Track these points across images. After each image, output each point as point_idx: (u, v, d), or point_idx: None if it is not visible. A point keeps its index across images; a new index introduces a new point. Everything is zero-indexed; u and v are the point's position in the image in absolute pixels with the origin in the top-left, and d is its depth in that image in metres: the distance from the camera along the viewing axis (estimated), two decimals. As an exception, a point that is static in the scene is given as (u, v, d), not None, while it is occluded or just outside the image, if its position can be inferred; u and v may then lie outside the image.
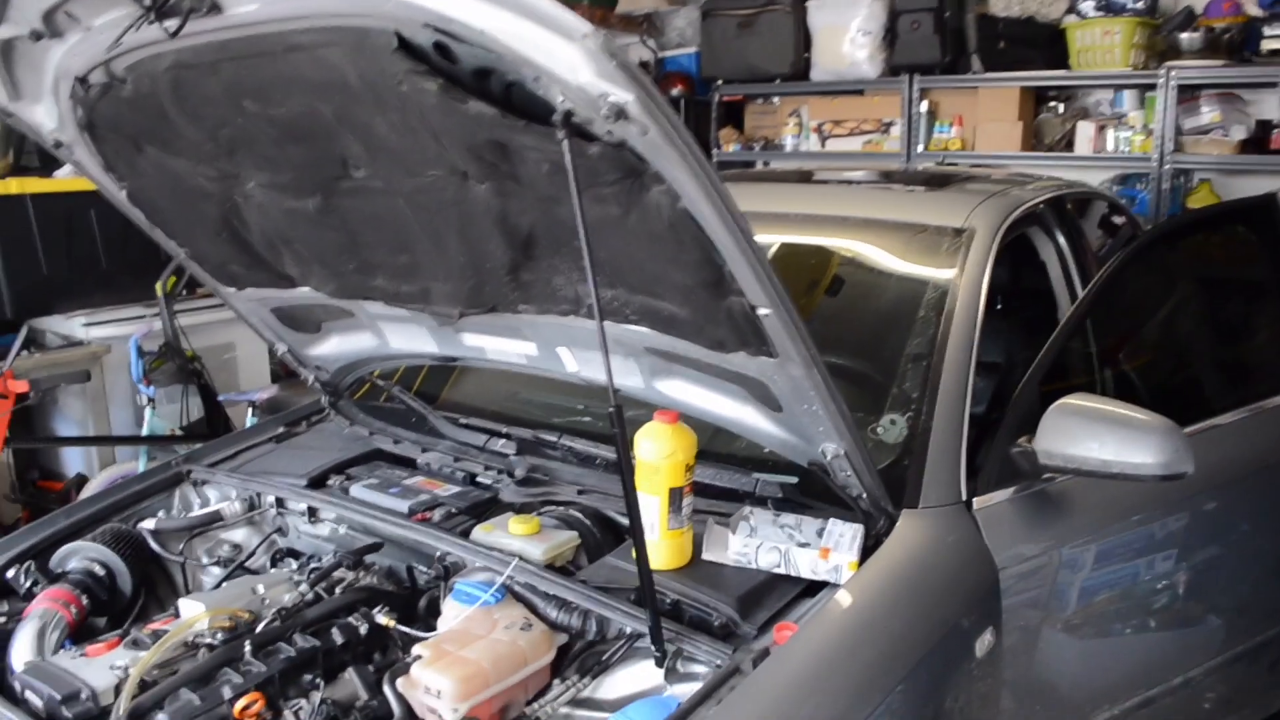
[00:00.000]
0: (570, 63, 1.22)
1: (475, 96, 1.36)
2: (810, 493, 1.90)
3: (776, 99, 6.39)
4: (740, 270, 1.43)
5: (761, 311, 1.49)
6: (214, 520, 2.31)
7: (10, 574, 2.10)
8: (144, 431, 4.06)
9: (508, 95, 1.38)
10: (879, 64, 5.72)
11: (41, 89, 1.86)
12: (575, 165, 1.31)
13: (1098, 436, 1.91)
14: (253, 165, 1.85)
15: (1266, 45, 4.79)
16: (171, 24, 1.54)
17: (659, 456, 1.70)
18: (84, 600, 2.02)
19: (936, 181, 3.24)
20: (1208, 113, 5.01)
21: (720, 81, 6.30)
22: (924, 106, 5.71)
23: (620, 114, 1.23)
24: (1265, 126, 4.92)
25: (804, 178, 3.46)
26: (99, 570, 2.12)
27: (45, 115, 1.93)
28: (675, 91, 6.48)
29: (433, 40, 1.35)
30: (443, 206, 1.68)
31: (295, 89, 1.59)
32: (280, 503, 2.29)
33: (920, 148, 5.73)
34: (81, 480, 4.15)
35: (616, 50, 1.17)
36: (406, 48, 1.37)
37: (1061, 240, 2.75)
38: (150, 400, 4.03)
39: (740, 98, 6.49)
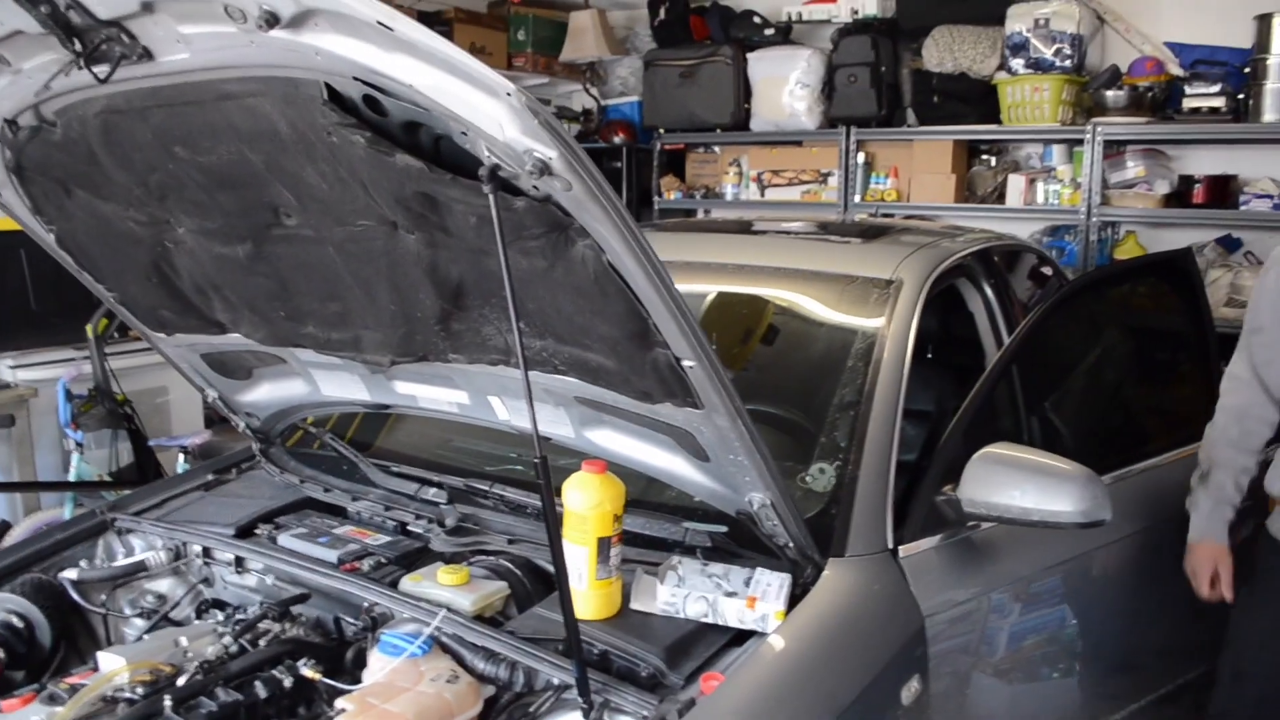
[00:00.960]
0: (496, 119, 1.24)
1: (403, 149, 1.38)
2: (739, 541, 1.91)
3: (717, 148, 6.48)
4: (664, 323, 1.45)
5: (686, 364, 1.51)
6: (138, 570, 2.26)
7: (-76, 626, 2.04)
8: (71, 477, 3.97)
9: (436, 148, 1.40)
10: (817, 116, 5.83)
11: (-34, 131, 1.84)
12: (501, 218, 1.33)
13: (1019, 485, 1.96)
14: (183, 211, 1.84)
15: (1188, 103, 4.95)
16: (102, 70, 1.54)
17: (587, 506, 1.70)
18: (0, 653, 1.97)
19: (870, 233, 3.30)
20: (1133, 167, 5.16)
21: (662, 130, 6.37)
22: (861, 158, 5.82)
23: (544, 169, 1.26)
24: (1188, 181, 5.08)
25: (743, 228, 3.51)
26: (16, 622, 2.08)
27: (-30, 157, 1.91)
28: (617, 139, 6.54)
29: (362, 93, 1.37)
30: (373, 256, 1.69)
31: (226, 137, 1.59)
32: (207, 552, 2.25)
33: (857, 198, 5.83)
34: (4, 527, 4.04)
35: (540, 108, 1.20)
36: (336, 99, 1.39)
37: (988, 291, 2.81)
38: (78, 445, 3.96)
39: (682, 146, 6.57)
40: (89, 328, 3.94)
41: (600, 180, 1.29)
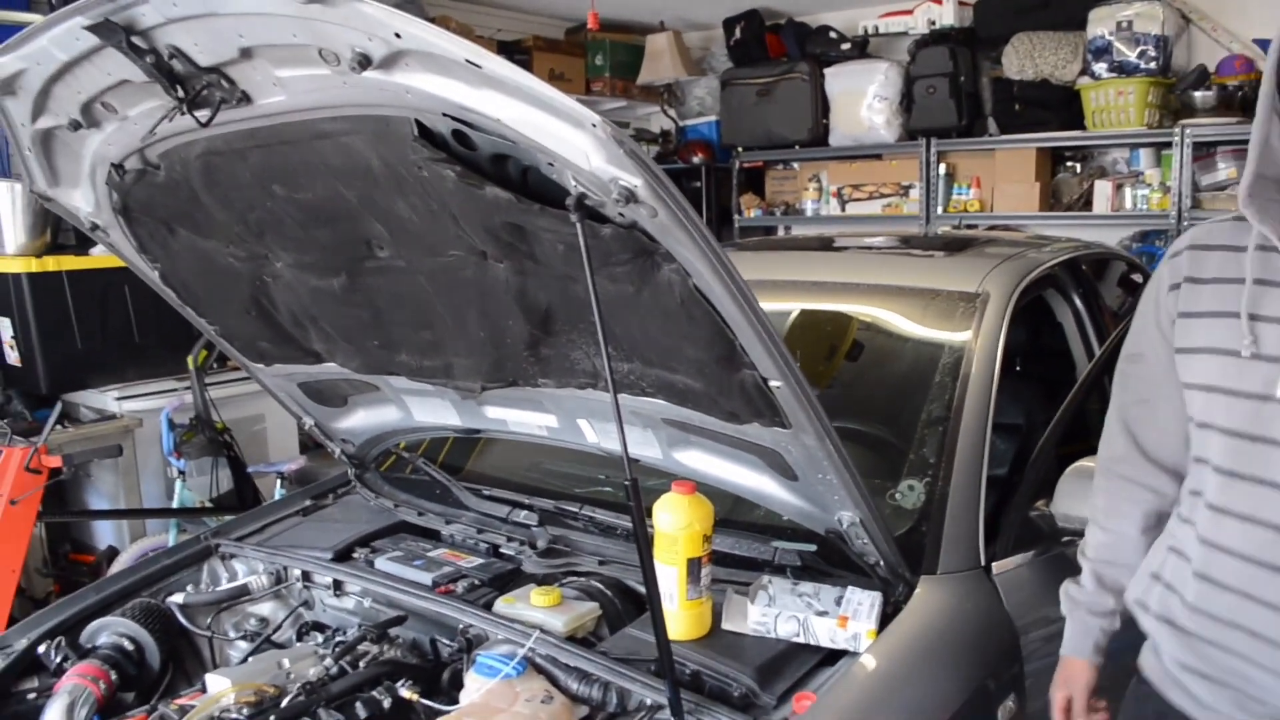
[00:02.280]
0: (582, 149, 1.27)
1: (492, 181, 1.41)
2: (829, 560, 1.91)
3: (796, 164, 6.48)
4: (751, 344, 1.46)
5: (773, 384, 1.51)
6: (241, 594, 2.33)
7: (41, 649, 2.12)
8: (174, 504, 4.11)
9: (524, 179, 1.43)
10: (896, 128, 5.80)
11: (79, 175, 1.93)
12: (589, 246, 1.35)
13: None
14: (280, 246, 1.90)
15: None
16: (203, 114, 1.61)
17: (676, 527, 1.72)
18: (113, 675, 2.05)
19: (954, 246, 3.27)
20: (1224, 169, 5.04)
21: (740, 149, 6.39)
22: (942, 169, 5.77)
23: (630, 197, 1.28)
24: None
25: (824, 244, 3.50)
26: (128, 645, 2.15)
27: (82, 200, 2.00)
28: (696, 159, 6.58)
29: (451, 128, 1.41)
30: (463, 284, 1.73)
31: (320, 174, 1.65)
32: (306, 576, 2.31)
33: (940, 210, 5.78)
34: (113, 553, 4.20)
35: (624, 138, 1.22)
36: (426, 135, 1.43)
37: (1077, 301, 2.77)
38: (181, 473, 4.09)
39: (760, 164, 6.58)
40: (190, 359, 4.07)
41: (685, 206, 1.31)
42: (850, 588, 1.80)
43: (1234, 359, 1.42)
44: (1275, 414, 1.38)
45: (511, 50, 6.06)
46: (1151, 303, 1.58)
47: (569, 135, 1.26)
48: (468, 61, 1.23)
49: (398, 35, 1.26)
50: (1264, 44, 5.04)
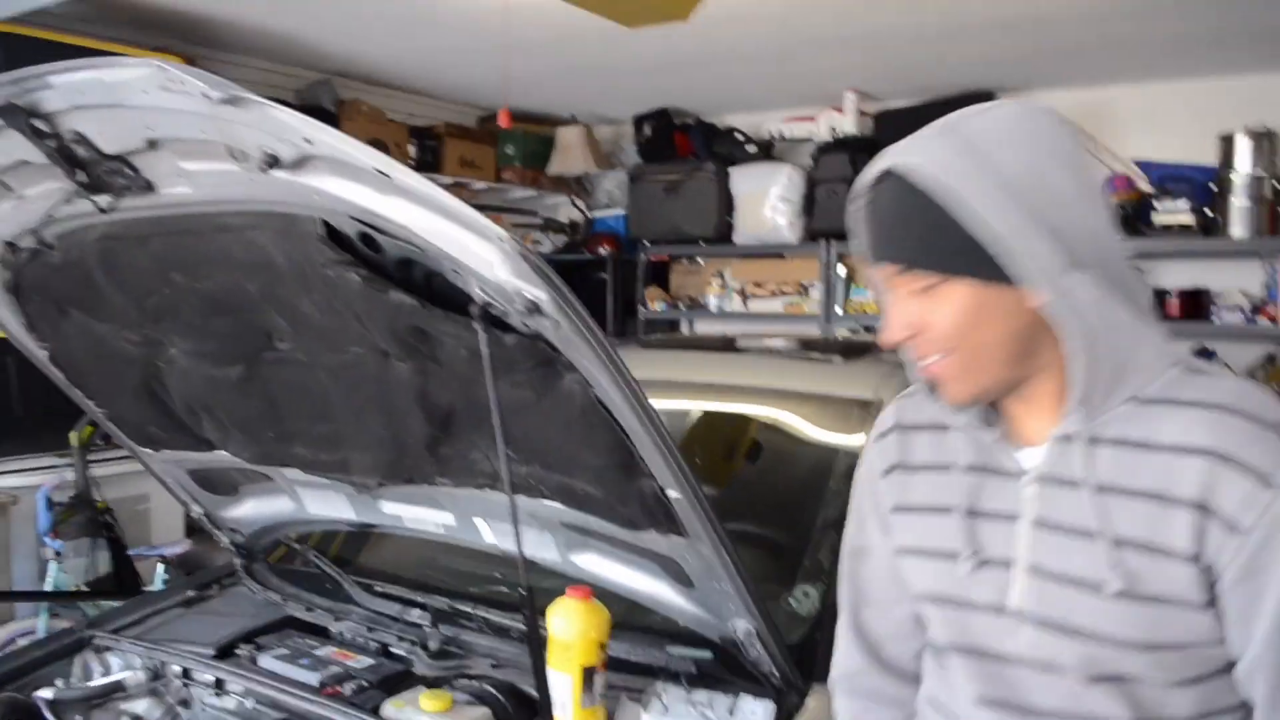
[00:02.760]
0: (488, 260, 1.29)
1: (397, 286, 1.42)
2: (724, 666, 1.91)
3: (701, 260, 6.61)
4: (650, 455, 1.48)
5: (671, 494, 1.53)
6: (115, 690, 2.22)
7: (-107, 747, 2.00)
8: (48, 586, 3.92)
9: (428, 284, 1.44)
10: (798, 229, 5.96)
11: (-34, 251, 1.88)
12: (491, 353, 1.37)
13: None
14: (177, 333, 1.87)
15: (1158, 219, 5.11)
16: (104, 200, 1.59)
17: (572, 634, 1.70)
18: (-32, 777, 1.94)
19: (851, 351, 3.35)
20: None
21: (647, 242, 6.49)
22: (842, 271, 5.94)
23: (535, 309, 1.30)
24: (1160, 295, 5.21)
25: (726, 345, 3.56)
26: (-12, 744, 2.04)
27: (-32, 276, 1.94)
28: (603, 250, 6.66)
29: (358, 230, 1.42)
30: (364, 381, 1.72)
31: (223, 266, 1.63)
32: (186, 673, 2.22)
33: (839, 310, 5.93)
34: (-24, 637, 3.98)
35: (530, 253, 1.24)
36: (333, 235, 1.43)
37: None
38: (57, 554, 3.91)
39: (666, 258, 6.69)
40: (73, 435, 3.94)
41: (588, 320, 1.33)
42: (744, 696, 1.80)
43: (957, 563, 1.24)
44: (1013, 628, 1.21)
45: (423, 136, 6.09)
46: (867, 490, 1.40)
47: (476, 246, 1.28)
48: (377, 170, 1.25)
49: (307, 140, 1.26)
50: (1145, 165, 5.36)
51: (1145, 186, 5.31)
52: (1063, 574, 1.17)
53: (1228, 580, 1.10)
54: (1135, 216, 5.19)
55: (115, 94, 1.35)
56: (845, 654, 1.47)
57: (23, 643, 3.68)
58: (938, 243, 1.11)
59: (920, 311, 1.16)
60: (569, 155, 6.60)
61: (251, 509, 2.41)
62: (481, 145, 6.49)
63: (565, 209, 7.18)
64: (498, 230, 1.23)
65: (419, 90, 6.20)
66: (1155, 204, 5.14)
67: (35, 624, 3.89)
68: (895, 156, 1.15)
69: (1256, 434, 1.09)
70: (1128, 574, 1.12)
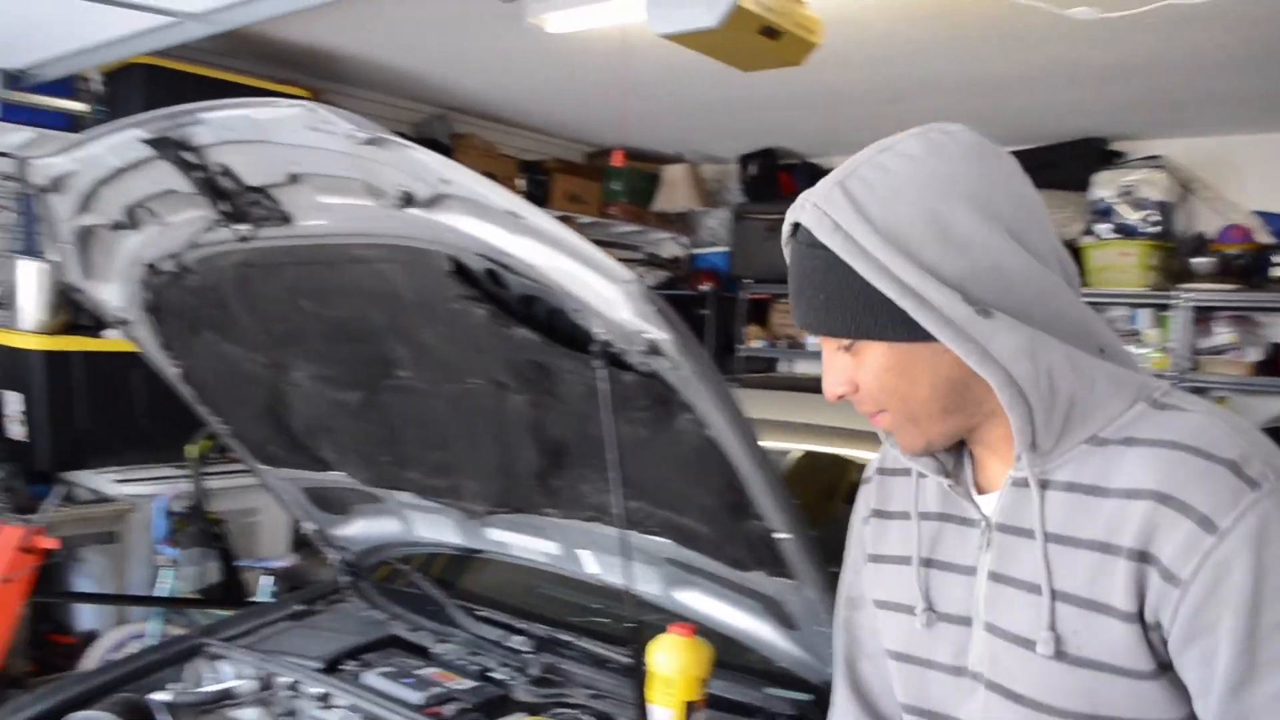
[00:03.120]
0: (611, 301, 1.32)
1: (520, 322, 1.47)
2: (823, 709, 1.89)
3: (801, 298, 6.58)
4: (760, 497, 1.49)
5: (780, 536, 1.54)
6: (226, 697, 2.30)
7: (18, 740, 2.10)
8: (160, 592, 4.07)
9: (550, 320, 1.48)
10: (901, 270, 5.90)
11: (112, 271, 1.98)
12: (609, 391, 1.40)
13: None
14: (303, 358, 1.95)
15: (1275, 272, 4.95)
16: (244, 229, 1.67)
17: (674, 670, 1.71)
18: (88, 772, 2.02)
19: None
20: (1222, 334, 5.13)
21: (749, 280, 6.50)
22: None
23: (654, 350, 1.33)
24: (1278, 349, 5.04)
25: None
26: (106, 742, 2.12)
27: (112, 294, 2.05)
28: (705, 287, 6.69)
29: (485, 267, 1.47)
30: (480, 412, 1.77)
31: (351, 295, 1.70)
32: (294, 685, 2.29)
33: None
34: (91, 636, 4.15)
35: (654, 297, 1.27)
36: (461, 271, 1.49)
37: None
38: (171, 561, 4.06)
39: (768, 296, 6.69)
40: (190, 449, 4.09)
41: (708, 363, 1.35)
42: (841, 742, 1.79)
43: (914, 618, 1.18)
44: (969, 691, 1.13)
45: (533, 170, 6.22)
46: (855, 537, 1.35)
47: (601, 287, 1.31)
48: (509, 212, 1.29)
49: (444, 181, 1.32)
50: (1264, 215, 5.20)
51: (1264, 237, 5.15)
52: (1011, 633, 1.07)
53: (1174, 642, 0.98)
54: (1252, 268, 5.04)
55: (263, 131, 1.42)
56: (841, 710, 1.38)
57: (134, 645, 3.83)
58: (843, 304, 1.05)
59: (847, 369, 1.10)
60: (674, 192, 6.66)
61: (361, 528, 2.48)
62: (588, 180, 6.59)
63: (668, 245, 7.24)
64: (624, 272, 1.26)
65: (530, 126, 6.34)
66: (1273, 256, 4.98)
67: (145, 628, 4.04)
68: (795, 210, 1.09)
69: (1203, 470, 0.96)
70: (1065, 634, 1.01)
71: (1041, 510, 1.05)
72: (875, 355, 1.07)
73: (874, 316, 1.03)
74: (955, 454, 1.17)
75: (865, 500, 1.33)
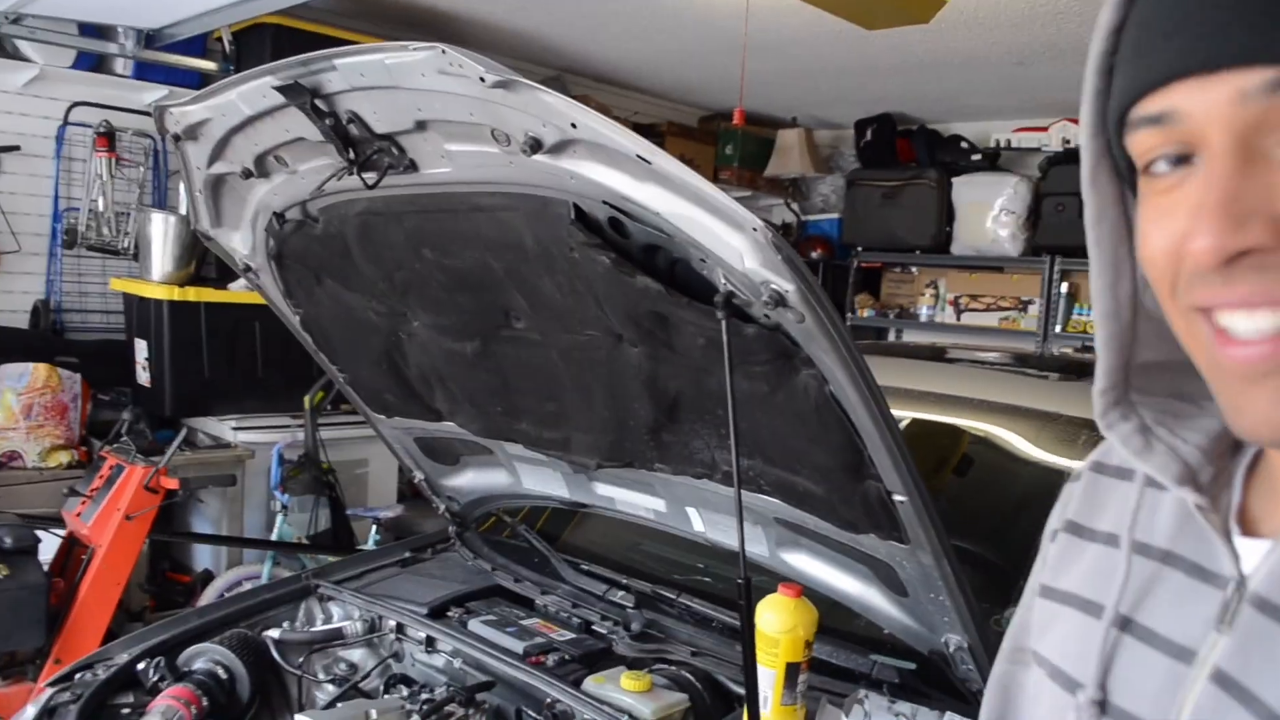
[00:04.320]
0: (738, 250, 1.29)
1: (642, 271, 1.45)
2: (928, 681, 1.86)
3: (915, 269, 6.45)
4: (880, 457, 1.46)
5: (897, 498, 1.50)
6: (335, 637, 2.37)
7: (140, 667, 2.18)
8: (274, 536, 4.21)
9: (672, 271, 1.46)
10: (1021, 243, 5.75)
11: (241, 219, 2.03)
12: (730, 343, 1.38)
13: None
14: (421, 307, 1.97)
15: None
16: (370, 177, 1.69)
17: (780, 630, 1.70)
18: (204, 701, 2.09)
19: (1074, 369, 3.21)
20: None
21: (860, 248, 6.40)
22: (1064, 288, 5.69)
23: (779, 301, 1.30)
24: None
25: (936, 354, 3.46)
26: (222, 673, 2.20)
27: (240, 242, 2.10)
28: (815, 254, 6.60)
29: (608, 215, 1.45)
30: (595, 364, 1.76)
31: (472, 244, 1.71)
32: (400, 628, 2.34)
33: (1058, 328, 5.68)
34: (208, 576, 4.31)
35: (783, 244, 1.24)
36: (583, 219, 1.48)
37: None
38: (284, 507, 4.20)
39: (879, 265, 6.58)
40: (306, 399, 4.21)
41: (834, 315, 1.32)
42: (950, 714, 1.75)
43: (1073, 699, 0.76)
44: None
45: (646, 133, 6.17)
46: (1039, 562, 0.91)
47: (727, 235, 1.29)
48: (638, 156, 1.28)
49: (574, 125, 1.31)
50: None
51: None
52: None
53: None
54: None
55: (394, 76, 1.43)
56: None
57: (248, 585, 3.97)
58: None
59: (1271, 173, 0.57)
60: (787, 158, 6.58)
61: (470, 479, 2.51)
62: (701, 144, 6.55)
63: (779, 211, 7.16)
64: (753, 219, 1.24)
65: (644, 89, 6.31)
66: None
67: (259, 569, 4.18)
68: None
69: None
70: None
71: None
72: None
73: None
74: (1223, 461, 0.73)
75: (1061, 508, 0.89)
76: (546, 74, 5.80)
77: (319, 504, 4.31)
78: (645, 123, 6.32)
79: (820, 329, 1.32)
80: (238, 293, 4.34)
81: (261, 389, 4.52)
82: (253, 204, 1.98)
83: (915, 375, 2.95)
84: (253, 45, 4.69)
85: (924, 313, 6.26)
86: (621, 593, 2.30)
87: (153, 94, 4.71)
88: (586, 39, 5.22)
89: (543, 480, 2.30)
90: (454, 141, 1.53)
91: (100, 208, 4.67)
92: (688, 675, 2.01)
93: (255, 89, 1.61)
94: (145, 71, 4.72)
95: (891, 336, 6.60)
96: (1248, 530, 0.70)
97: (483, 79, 1.30)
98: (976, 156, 6.07)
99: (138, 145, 4.81)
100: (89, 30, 4.49)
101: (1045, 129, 5.89)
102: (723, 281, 1.36)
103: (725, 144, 6.62)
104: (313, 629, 2.45)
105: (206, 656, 2.23)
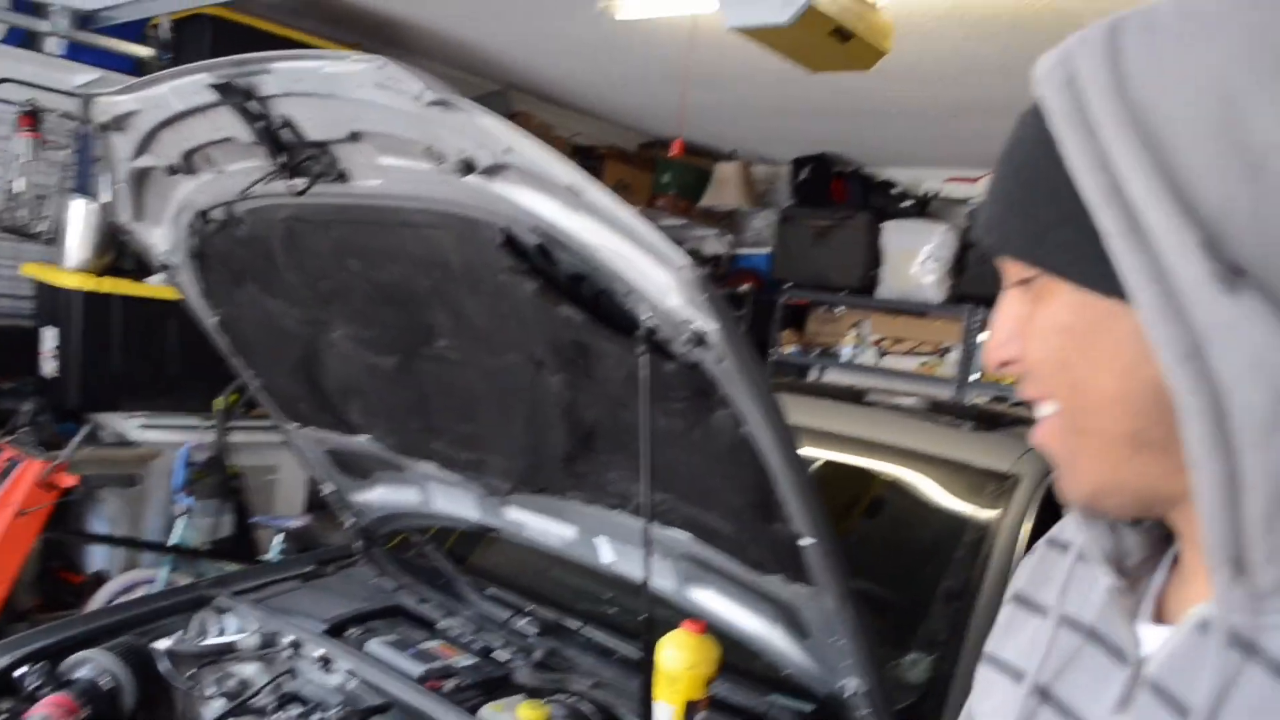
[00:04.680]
0: (663, 287, 1.30)
1: (567, 300, 1.45)
2: (825, 722, 1.87)
3: (841, 309, 6.55)
4: (790, 499, 1.46)
5: (804, 542, 1.51)
6: (227, 651, 2.31)
7: (18, 672, 2.10)
8: (174, 540, 4.09)
9: (596, 301, 1.46)
10: (945, 289, 5.87)
11: (163, 215, 1.99)
12: (648, 378, 1.38)
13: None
14: (343, 317, 1.94)
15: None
16: (299, 183, 1.66)
17: (681, 666, 1.69)
18: (84, 712, 2.02)
19: (987, 421, 3.27)
20: None
21: (789, 284, 6.47)
22: (984, 336, 5.81)
23: (700, 341, 1.30)
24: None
25: (856, 397, 3.51)
26: (105, 683, 2.12)
27: (160, 238, 2.05)
28: (744, 287, 6.66)
29: (537, 242, 1.45)
30: (515, 388, 1.75)
31: (399, 259, 1.69)
32: (296, 645, 2.29)
33: (974, 376, 5.80)
34: (101, 577, 4.17)
35: (708, 286, 1.25)
36: (511, 244, 1.47)
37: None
38: (187, 510, 4.08)
39: (805, 302, 6.65)
40: (218, 401, 4.11)
41: (753, 358, 1.33)
42: (844, 759, 1.76)
43: None
44: None
45: (585, 155, 6.21)
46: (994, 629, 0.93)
47: (654, 272, 1.29)
48: (570, 187, 1.27)
49: (508, 150, 1.30)
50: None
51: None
52: None
53: None
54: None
55: (331, 85, 1.41)
56: None
57: (142, 591, 3.85)
58: (1034, 206, 0.67)
59: (1019, 320, 0.73)
60: (724, 190, 6.64)
61: (380, 496, 2.47)
62: (639, 170, 6.58)
63: (711, 242, 7.22)
64: (680, 257, 1.24)
65: (587, 110, 6.33)
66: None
67: (155, 574, 4.06)
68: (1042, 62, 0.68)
69: None
70: None
71: (1227, 687, 0.61)
72: (1056, 305, 0.68)
73: (1069, 232, 0.64)
74: (1152, 544, 0.75)
75: (1016, 577, 0.92)
76: (491, 88, 5.78)
77: (223, 509, 4.21)
78: (585, 144, 6.33)
79: (739, 370, 1.33)
80: (156, 287, 4.23)
81: (173, 388, 4.40)
82: (177, 200, 1.94)
83: (834, 417, 2.98)
84: (192, 35, 4.59)
85: (846, 352, 6.34)
86: (526, 620, 2.28)
87: (84, 76, 4.58)
88: (534, 55, 5.22)
89: (454, 501, 2.27)
90: (387, 155, 1.52)
91: (18, 189, 4.52)
92: (587, 708, 1.99)
93: (189, 85, 1.58)
94: (78, 53, 4.59)
95: (814, 375, 6.68)
96: (1162, 616, 0.72)
97: (419, 97, 1.29)
98: (908, 203, 6.20)
99: (64, 127, 4.68)
100: (23, 6, 4.37)
101: (975, 180, 6.04)
102: (646, 316, 1.36)
103: (663, 172, 6.66)
104: (205, 641, 2.38)
105: (91, 665, 2.14)
